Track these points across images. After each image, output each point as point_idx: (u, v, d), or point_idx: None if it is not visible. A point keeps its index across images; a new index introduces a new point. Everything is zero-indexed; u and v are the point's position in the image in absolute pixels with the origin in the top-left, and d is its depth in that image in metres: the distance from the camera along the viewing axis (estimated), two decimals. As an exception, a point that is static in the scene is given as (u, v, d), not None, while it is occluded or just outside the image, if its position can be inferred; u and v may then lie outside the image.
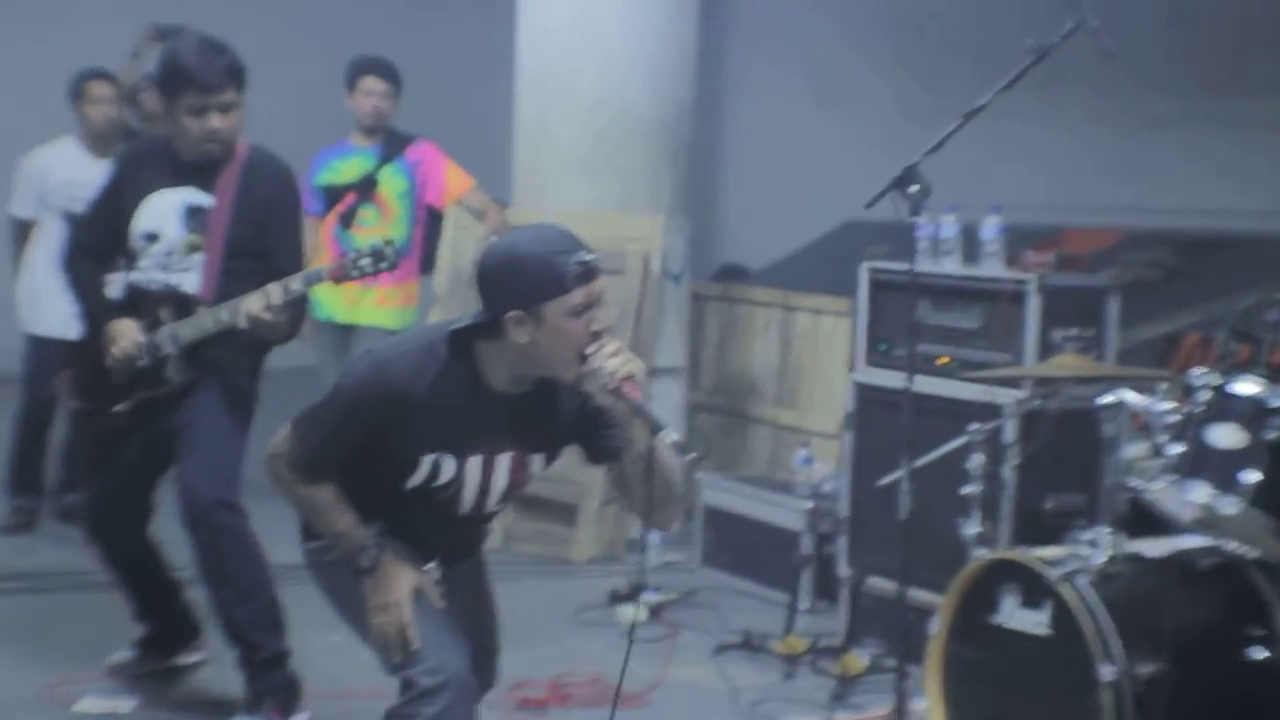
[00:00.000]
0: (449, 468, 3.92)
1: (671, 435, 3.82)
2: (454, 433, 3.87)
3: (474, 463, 3.94)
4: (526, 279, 3.69)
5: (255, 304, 5.24)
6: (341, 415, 3.90)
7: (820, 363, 8.03)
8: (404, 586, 3.94)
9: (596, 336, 3.73)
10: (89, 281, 5.73)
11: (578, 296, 3.69)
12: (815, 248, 11.65)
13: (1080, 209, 10.31)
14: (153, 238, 5.54)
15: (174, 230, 5.52)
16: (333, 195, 8.07)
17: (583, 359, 3.72)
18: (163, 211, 5.53)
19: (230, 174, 5.52)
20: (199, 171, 5.52)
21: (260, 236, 5.51)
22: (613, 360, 3.69)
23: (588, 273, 3.71)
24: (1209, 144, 10.23)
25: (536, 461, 4.05)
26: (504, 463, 3.99)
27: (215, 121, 5.42)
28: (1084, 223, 10.28)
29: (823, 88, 12.89)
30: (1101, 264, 9.64)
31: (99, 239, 5.70)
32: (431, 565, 4.10)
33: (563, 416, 3.98)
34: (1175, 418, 4.84)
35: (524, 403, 3.91)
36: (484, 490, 4.01)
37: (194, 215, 5.52)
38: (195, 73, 5.38)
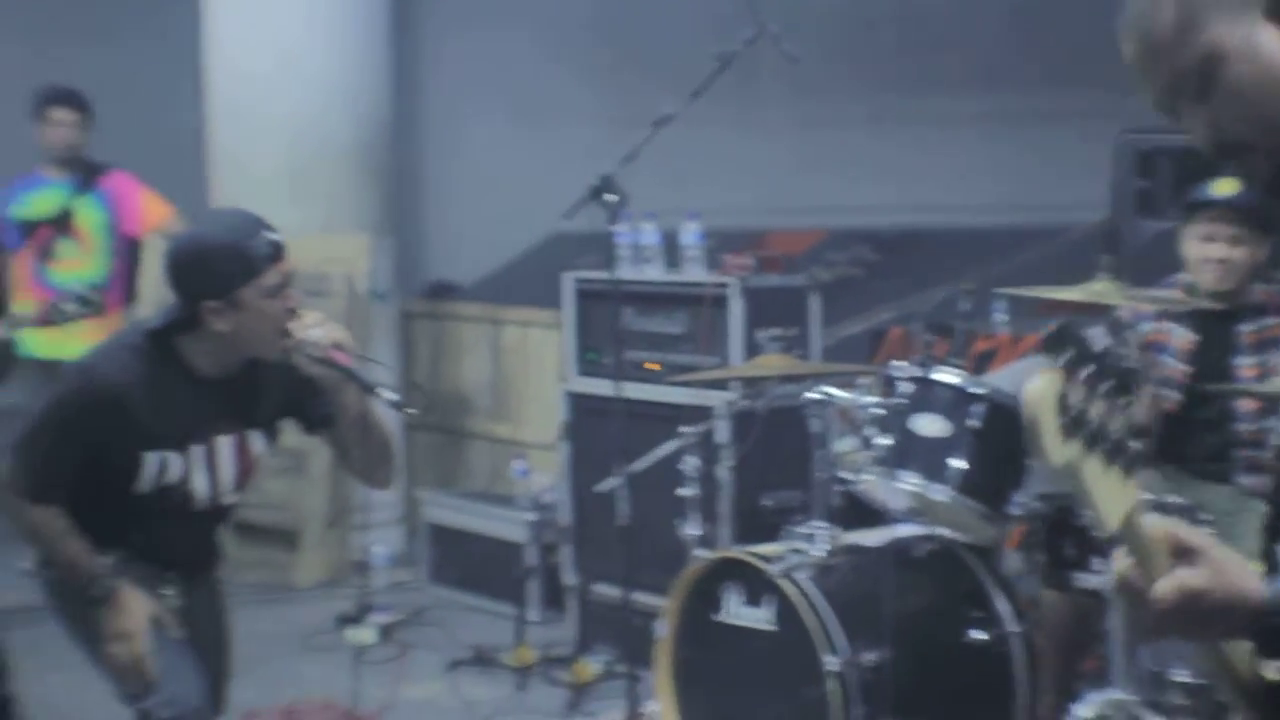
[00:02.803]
0: (174, 463, 3.88)
1: (387, 394, 3.85)
2: (170, 426, 3.84)
3: (197, 453, 3.91)
4: (218, 268, 3.72)
5: None
6: (56, 429, 3.85)
7: (531, 375, 8.06)
8: (140, 616, 3.89)
9: (293, 312, 3.78)
10: None
11: (271, 276, 3.73)
12: (523, 261, 11.68)
13: (781, 211, 10.47)
14: None
15: None
16: (28, 230, 7.88)
17: (285, 334, 3.76)
18: None
19: None
20: None
21: None
22: (315, 330, 3.76)
23: (277, 251, 3.75)
24: (904, 141, 10.48)
25: (258, 440, 4.03)
26: (226, 447, 3.97)
27: None
28: (786, 225, 10.45)
29: (522, 100, 12.92)
30: (805, 264, 9.84)
31: None
32: (171, 591, 4.05)
33: (274, 392, 3.99)
34: (880, 410, 4.96)
35: (234, 385, 3.92)
36: (214, 479, 3.96)
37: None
38: None
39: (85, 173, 8.05)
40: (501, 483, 7.90)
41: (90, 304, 5.20)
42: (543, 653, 6.38)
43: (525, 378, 8.09)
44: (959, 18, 10.45)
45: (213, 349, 3.82)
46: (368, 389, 3.85)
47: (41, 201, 8.01)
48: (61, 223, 7.97)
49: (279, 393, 3.99)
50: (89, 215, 7.98)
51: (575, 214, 5.46)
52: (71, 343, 7.76)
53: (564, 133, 12.50)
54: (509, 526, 7.16)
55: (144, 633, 3.88)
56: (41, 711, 5.53)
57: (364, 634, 6.72)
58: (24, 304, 5.80)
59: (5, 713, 5.44)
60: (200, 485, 3.94)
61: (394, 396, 3.85)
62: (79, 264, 7.78)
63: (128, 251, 8.07)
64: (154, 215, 8.04)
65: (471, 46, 12.82)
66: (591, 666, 6.18)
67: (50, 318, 5.20)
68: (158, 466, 3.86)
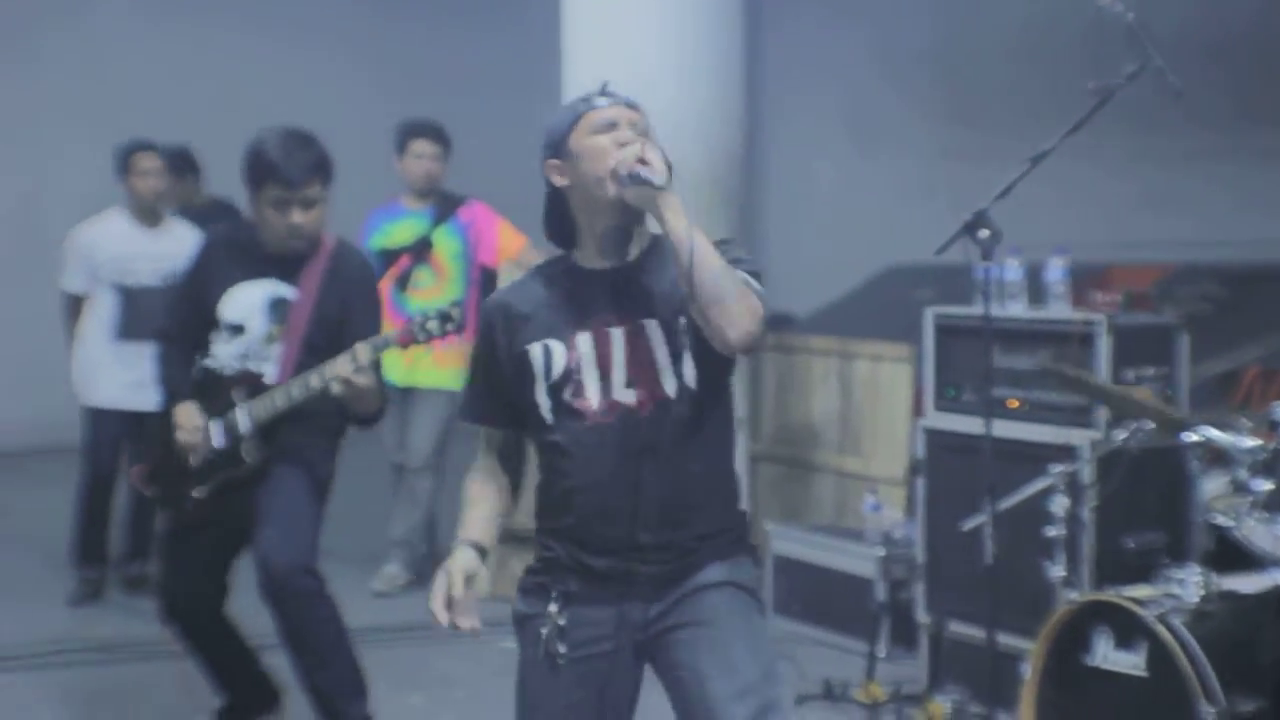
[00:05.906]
0: (559, 353, 3.71)
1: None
2: (553, 317, 3.77)
3: (583, 340, 3.72)
4: (552, 126, 3.76)
5: (344, 366, 5.19)
6: (472, 356, 3.92)
7: (881, 409, 7.98)
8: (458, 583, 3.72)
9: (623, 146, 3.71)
10: (178, 368, 5.71)
11: (596, 116, 3.72)
12: (861, 293, 11.65)
13: (1122, 245, 10.28)
14: (238, 329, 5.53)
15: (259, 324, 5.53)
16: (387, 259, 8.09)
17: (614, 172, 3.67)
18: (249, 304, 5.54)
19: (315, 268, 5.51)
20: (283, 263, 5.51)
21: (340, 332, 5.46)
22: (626, 149, 3.64)
23: (606, 96, 3.76)
24: (1251, 176, 10.24)
25: (653, 330, 3.72)
26: (618, 338, 3.70)
27: (297, 217, 5.40)
28: (1127, 259, 10.26)
29: (859, 131, 12.92)
30: (1155, 301, 9.63)
31: (186, 324, 5.69)
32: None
33: (664, 283, 3.72)
34: (1263, 454, 4.83)
35: (620, 274, 3.77)
36: (605, 375, 3.68)
37: (277, 308, 5.52)
38: (279, 166, 5.35)
39: (444, 203, 8.26)
40: (847, 517, 7.85)
41: (451, 320, 5.28)
42: (894, 690, 6.31)
43: (874, 412, 8.02)
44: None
45: (583, 223, 3.72)
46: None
47: (401, 231, 8.23)
48: (420, 252, 8.19)
49: (671, 286, 3.66)
50: (446, 245, 8.18)
51: (947, 249, 5.41)
52: (424, 370, 8.00)
53: (896, 166, 12.48)
54: (858, 561, 7.11)
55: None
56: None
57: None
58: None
59: None
60: (591, 384, 3.68)
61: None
62: (435, 292, 7.97)
63: (482, 280, 8.24)
64: (509, 245, 8.21)
65: (813, 75, 12.88)
66: (943, 705, 6.10)
67: (413, 336, 5.29)
68: (542, 358, 3.70)
